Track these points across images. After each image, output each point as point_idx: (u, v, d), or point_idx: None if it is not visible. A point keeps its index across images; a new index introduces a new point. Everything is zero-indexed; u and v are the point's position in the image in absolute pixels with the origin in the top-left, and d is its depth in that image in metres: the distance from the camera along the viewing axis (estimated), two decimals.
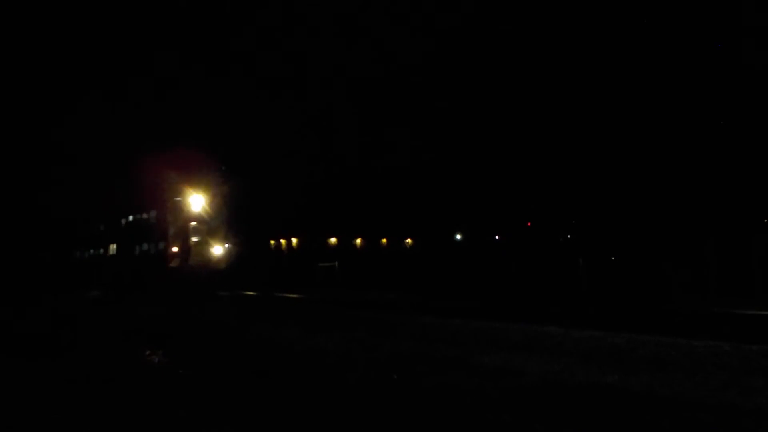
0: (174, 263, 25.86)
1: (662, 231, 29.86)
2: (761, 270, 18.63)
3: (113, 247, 32.81)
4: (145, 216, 29.43)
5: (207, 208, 26.01)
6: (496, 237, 47.83)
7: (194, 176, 26.02)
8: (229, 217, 26.88)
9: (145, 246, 29.01)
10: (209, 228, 26.16)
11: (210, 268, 25.87)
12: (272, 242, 48.04)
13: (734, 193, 28.18)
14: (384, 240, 52.06)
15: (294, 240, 48.64)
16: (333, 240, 49.79)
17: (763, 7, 28.23)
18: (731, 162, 28.41)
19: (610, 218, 34.09)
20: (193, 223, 26.00)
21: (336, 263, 35.49)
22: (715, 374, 6.18)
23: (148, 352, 8.67)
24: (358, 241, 51.32)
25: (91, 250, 36.59)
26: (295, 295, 23.12)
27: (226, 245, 27.07)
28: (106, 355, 8.73)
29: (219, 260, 26.46)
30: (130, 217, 31.12)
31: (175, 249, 25.84)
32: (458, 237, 51.30)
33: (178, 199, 26.00)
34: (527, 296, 19.12)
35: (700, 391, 5.58)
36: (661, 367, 6.58)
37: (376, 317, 12.86)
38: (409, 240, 52.74)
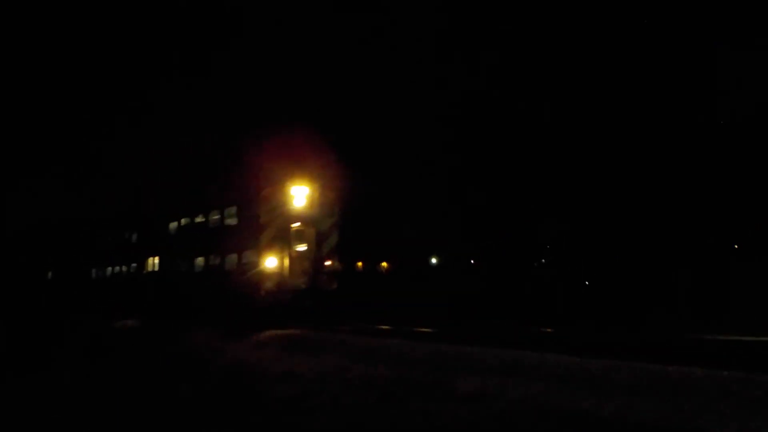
0: (269, 283, 18.23)
1: (637, 258, 30.23)
2: (726, 294, 18.98)
3: (153, 261, 24.15)
4: (216, 216, 20.72)
5: (316, 203, 18.68)
6: (471, 261, 48.04)
7: (296, 160, 18.73)
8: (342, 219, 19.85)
9: (213, 259, 20.71)
10: (318, 233, 18.97)
11: (320, 289, 19.04)
12: None
13: (709, 223, 28.39)
14: (359, 264, 51.93)
15: None
16: None
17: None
18: (707, 189, 28.51)
19: (583, 244, 34.41)
20: (296, 225, 18.54)
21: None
22: (689, 399, 6.23)
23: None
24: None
25: (116, 267, 27.31)
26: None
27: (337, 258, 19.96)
28: None
29: (330, 279, 19.61)
30: (183, 221, 22.67)
31: (271, 262, 18.20)
32: (434, 261, 51.41)
33: (273, 191, 18.41)
34: (503, 319, 19.16)
35: (674, 417, 5.63)
36: (635, 393, 6.62)
37: (353, 341, 12.75)
38: (384, 264, 52.68)
